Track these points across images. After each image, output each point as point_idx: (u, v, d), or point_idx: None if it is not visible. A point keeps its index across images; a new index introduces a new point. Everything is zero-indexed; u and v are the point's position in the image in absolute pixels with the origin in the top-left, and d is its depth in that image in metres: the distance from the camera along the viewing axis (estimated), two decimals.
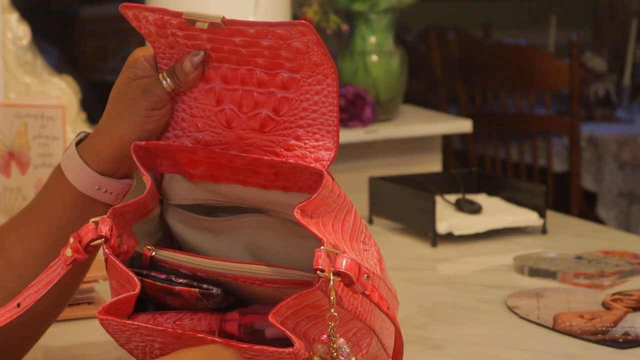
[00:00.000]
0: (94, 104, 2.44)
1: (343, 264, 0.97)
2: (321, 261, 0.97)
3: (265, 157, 1.05)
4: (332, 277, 0.97)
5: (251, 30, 1.01)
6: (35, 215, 1.13)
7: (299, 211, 1.00)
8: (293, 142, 1.06)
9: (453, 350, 1.31)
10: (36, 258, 1.11)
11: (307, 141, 1.06)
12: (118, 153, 1.10)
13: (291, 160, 1.05)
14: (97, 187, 1.11)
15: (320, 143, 1.06)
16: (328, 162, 1.06)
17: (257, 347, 0.99)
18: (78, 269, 1.11)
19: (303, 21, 0.99)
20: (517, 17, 5.96)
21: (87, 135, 1.14)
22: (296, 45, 1.01)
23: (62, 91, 2.12)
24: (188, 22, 1.02)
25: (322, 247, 0.98)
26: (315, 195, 1.00)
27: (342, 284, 0.98)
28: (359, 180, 2.31)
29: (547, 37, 4.67)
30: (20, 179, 1.77)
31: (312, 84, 1.04)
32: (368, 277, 0.99)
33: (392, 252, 1.75)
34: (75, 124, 2.11)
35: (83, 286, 1.42)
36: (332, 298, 0.97)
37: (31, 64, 2.12)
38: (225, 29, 1.01)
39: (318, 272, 0.97)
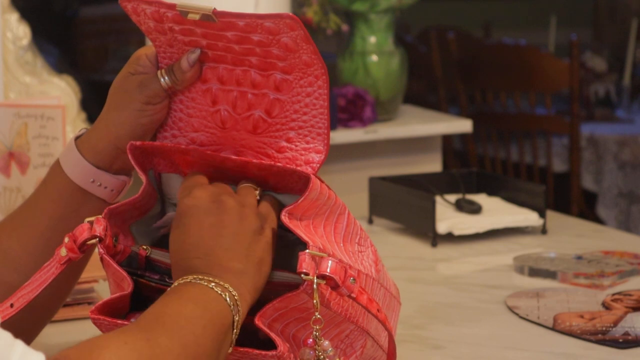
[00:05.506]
0: (94, 104, 2.44)
1: (328, 267, 0.98)
2: (305, 264, 0.97)
3: (254, 160, 1.05)
4: (315, 280, 0.97)
5: (241, 23, 1.01)
6: (33, 209, 1.14)
7: (287, 214, 1.00)
8: (284, 144, 1.07)
9: (453, 350, 1.31)
10: (33, 252, 1.12)
11: (297, 143, 1.07)
12: (113, 146, 1.12)
13: (279, 164, 1.05)
14: (92, 180, 1.12)
15: (311, 145, 1.06)
16: (318, 165, 1.06)
17: (242, 349, 0.99)
18: (73, 269, 1.11)
19: (290, 14, 1.00)
20: (517, 17, 5.96)
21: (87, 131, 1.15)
22: (285, 41, 1.01)
23: (62, 91, 2.12)
24: (181, 14, 1.03)
25: (307, 250, 0.98)
26: (302, 198, 1.01)
27: (328, 287, 0.99)
28: (359, 180, 2.31)
29: (547, 37, 4.67)
30: (20, 179, 1.77)
31: (304, 85, 1.05)
32: (354, 280, 0.99)
33: (392, 252, 1.75)
34: (75, 124, 2.11)
35: (83, 286, 1.42)
36: (315, 301, 0.97)
37: (31, 64, 2.13)
38: (216, 22, 1.02)
39: (302, 275, 0.97)
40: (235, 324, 0.96)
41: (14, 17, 2.11)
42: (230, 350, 0.97)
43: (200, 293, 0.96)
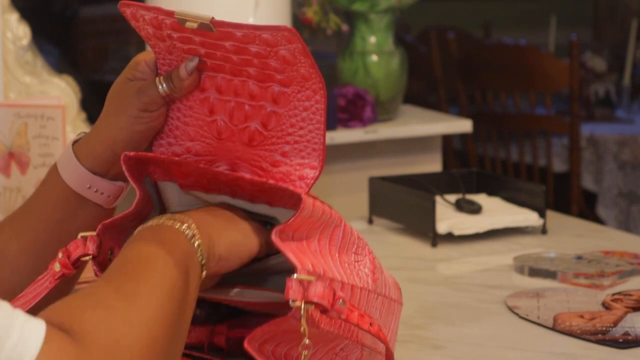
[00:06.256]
0: (94, 104, 2.43)
1: (315, 292, 0.96)
2: (292, 292, 0.96)
3: (247, 176, 1.04)
4: (303, 307, 0.96)
5: (238, 34, 1.01)
6: (30, 212, 1.14)
7: (277, 233, 0.98)
8: (279, 158, 1.06)
9: (453, 350, 1.31)
10: (30, 254, 1.12)
11: (292, 158, 1.06)
12: (109, 152, 1.11)
13: (272, 181, 1.04)
14: (89, 186, 1.12)
15: (306, 161, 1.06)
16: (312, 181, 1.05)
17: None
18: (66, 282, 1.11)
19: (287, 26, 0.99)
20: (517, 17, 5.96)
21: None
22: (283, 53, 1.01)
23: (62, 91, 2.12)
24: (179, 22, 1.03)
25: (294, 275, 0.96)
26: (293, 218, 0.99)
27: (318, 310, 0.98)
28: (359, 180, 2.32)
29: (547, 37, 4.67)
30: (20, 179, 1.77)
31: (302, 99, 1.04)
32: (343, 302, 0.98)
33: (392, 252, 1.75)
34: (75, 124, 2.11)
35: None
36: (303, 329, 0.96)
37: (31, 64, 2.13)
38: (214, 31, 1.02)
39: (290, 302, 0.96)
40: (198, 249, 0.97)
41: (14, 17, 2.11)
42: (203, 276, 0.97)
43: (154, 230, 0.97)
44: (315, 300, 0.96)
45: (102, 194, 1.13)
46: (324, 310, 0.97)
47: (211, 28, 1.01)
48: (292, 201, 1.03)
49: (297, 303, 0.95)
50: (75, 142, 1.14)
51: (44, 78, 2.13)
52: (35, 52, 2.15)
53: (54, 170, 1.14)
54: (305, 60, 1.01)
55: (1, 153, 1.76)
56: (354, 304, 1.02)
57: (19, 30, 2.11)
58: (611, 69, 4.34)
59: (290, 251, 0.98)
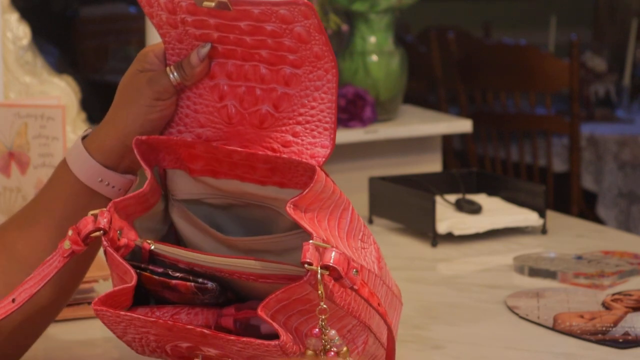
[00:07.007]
0: (94, 104, 2.44)
1: (331, 257, 0.97)
2: (309, 254, 0.97)
3: (260, 152, 1.06)
4: (319, 271, 0.97)
5: (256, 11, 1.02)
6: (38, 209, 1.14)
7: (292, 206, 1.00)
8: (290, 138, 1.08)
9: (453, 350, 1.31)
10: (39, 253, 1.12)
11: (304, 138, 1.07)
12: (121, 144, 1.12)
13: (285, 156, 1.06)
14: (100, 179, 1.13)
15: (317, 140, 1.07)
16: (323, 159, 1.06)
17: (245, 339, 0.99)
18: (77, 267, 1.11)
19: (306, 1, 1.00)
20: (517, 17, 5.96)
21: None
22: (298, 30, 1.02)
23: (62, 91, 2.12)
24: (196, 3, 1.04)
25: (310, 241, 0.98)
26: (307, 190, 1.01)
27: (332, 278, 0.98)
28: (359, 180, 2.31)
29: (547, 37, 4.67)
30: (20, 179, 1.77)
31: (313, 79, 1.05)
32: (357, 271, 0.99)
33: (392, 252, 1.75)
34: (75, 124, 2.11)
35: (83, 286, 1.42)
36: (320, 292, 0.97)
37: (31, 64, 2.13)
38: (231, 10, 1.02)
39: (306, 265, 0.97)
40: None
41: (14, 17, 2.11)
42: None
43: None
44: (330, 263, 0.96)
45: (113, 187, 1.13)
46: (337, 277, 0.97)
47: (228, 7, 1.02)
48: (304, 179, 1.04)
49: (313, 267, 0.96)
50: (84, 138, 1.14)
51: (44, 78, 2.13)
52: (35, 52, 2.15)
53: (62, 166, 1.14)
54: (319, 37, 1.02)
55: (1, 153, 1.76)
56: (365, 280, 1.02)
57: (19, 30, 2.11)
58: (611, 69, 4.34)
59: (304, 222, 0.99)
